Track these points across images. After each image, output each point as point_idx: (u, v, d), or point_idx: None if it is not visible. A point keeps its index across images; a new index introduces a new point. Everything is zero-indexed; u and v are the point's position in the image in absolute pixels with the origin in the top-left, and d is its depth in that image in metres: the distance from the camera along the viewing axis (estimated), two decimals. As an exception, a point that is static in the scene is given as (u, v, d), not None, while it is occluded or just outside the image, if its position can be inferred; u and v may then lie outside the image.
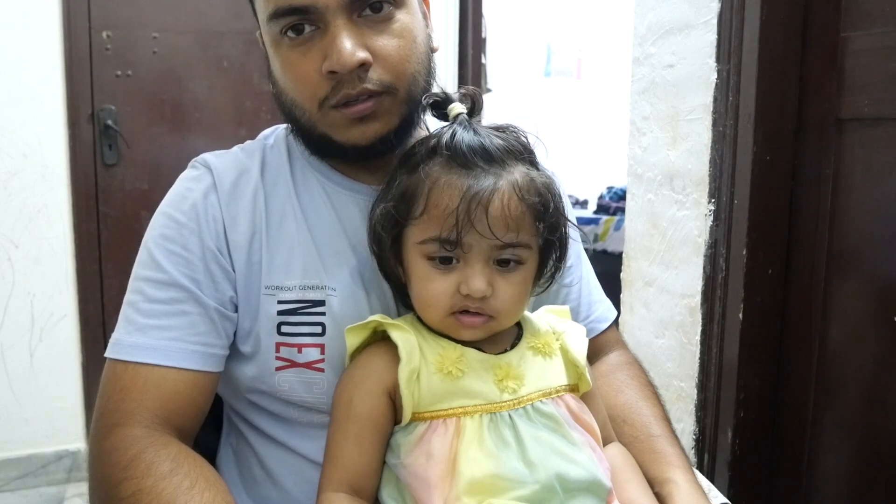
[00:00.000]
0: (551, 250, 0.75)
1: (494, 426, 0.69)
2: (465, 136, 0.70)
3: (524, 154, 0.73)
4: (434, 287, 0.70)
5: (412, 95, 0.78)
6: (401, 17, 0.76)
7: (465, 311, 0.70)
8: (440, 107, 0.76)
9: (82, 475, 2.27)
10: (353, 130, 0.77)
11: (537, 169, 0.74)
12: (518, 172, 0.70)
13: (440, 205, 0.68)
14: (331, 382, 0.80)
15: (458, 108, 0.74)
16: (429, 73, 0.81)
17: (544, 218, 0.71)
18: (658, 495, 0.79)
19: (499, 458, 0.67)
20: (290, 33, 0.75)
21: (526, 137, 0.75)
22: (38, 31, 2.15)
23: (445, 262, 0.69)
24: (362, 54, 0.73)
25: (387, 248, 0.73)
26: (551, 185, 0.74)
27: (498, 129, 0.74)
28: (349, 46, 0.72)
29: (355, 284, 0.81)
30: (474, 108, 0.76)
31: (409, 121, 0.79)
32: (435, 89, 0.80)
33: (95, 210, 2.31)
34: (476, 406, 0.69)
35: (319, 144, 0.81)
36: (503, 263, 0.70)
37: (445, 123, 0.75)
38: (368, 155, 0.78)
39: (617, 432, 0.86)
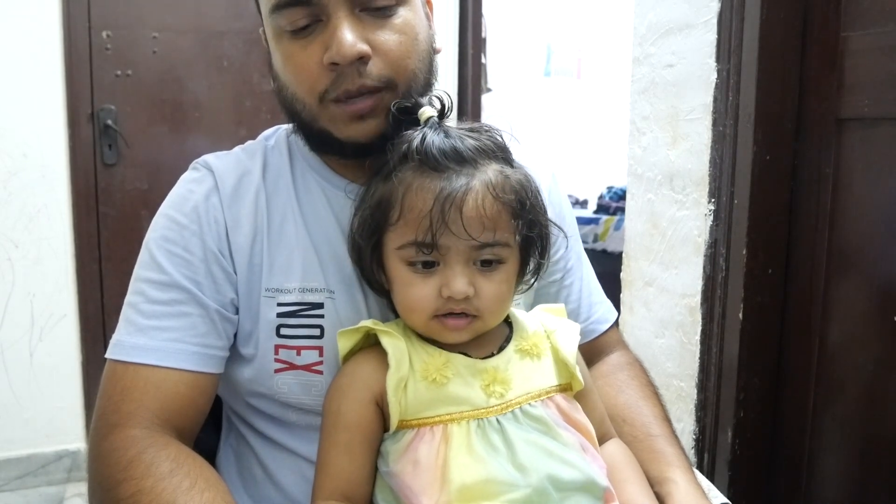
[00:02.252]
0: (532, 247, 0.75)
1: (482, 432, 0.68)
2: (434, 139, 0.70)
3: (497, 153, 0.73)
4: (416, 291, 0.70)
5: (412, 92, 0.77)
6: (403, 13, 0.76)
7: (449, 314, 0.70)
8: (410, 112, 0.75)
9: (82, 475, 2.27)
10: (352, 127, 0.76)
11: (512, 167, 0.74)
12: (491, 171, 0.70)
13: (414, 209, 0.68)
14: (329, 385, 0.80)
15: (427, 111, 0.74)
16: (430, 73, 0.80)
17: (521, 215, 0.71)
18: (657, 494, 0.79)
19: (489, 464, 0.66)
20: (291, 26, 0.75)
21: (500, 136, 0.75)
22: (38, 31, 2.15)
23: (427, 266, 0.69)
24: (362, 46, 0.73)
25: (367, 256, 0.73)
26: (526, 181, 0.73)
27: (470, 129, 0.73)
28: (349, 38, 0.72)
29: (353, 287, 0.81)
30: (444, 111, 0.75)
31: (399, 127, 0.78)
32: (435, 91, 0.80)
33: (95, 210, 2.31)
34: (462, 413, 0.69)
35: (319, 139, 0.81)
36: (484, 264, 0.70)
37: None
38: (368, 151, 0.78)
39: (617, 432, 0.86)
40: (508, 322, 0.78)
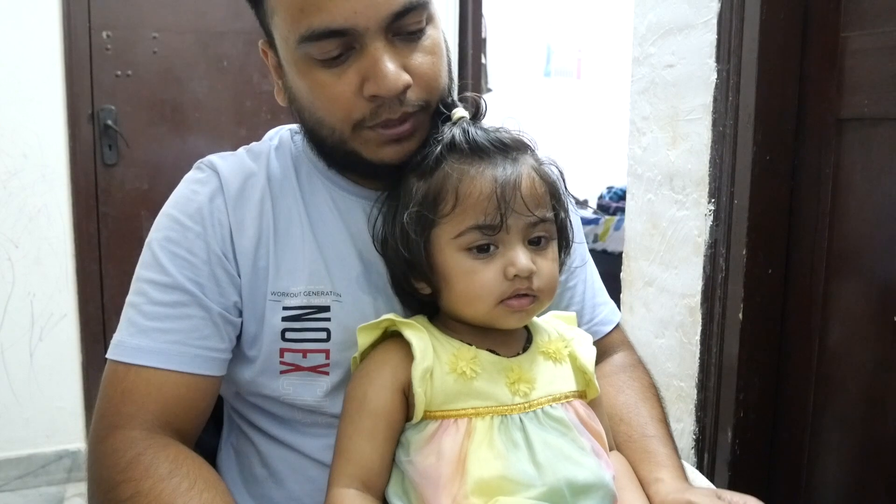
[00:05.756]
0: (562, 233, 0.77)
1: (505, 428, 0.69)
2: (478, 132, 0.73)
3: (525, 146, 0.76)
4: (480, 278, 0.70)
5: (439, 107, 0.78)
6: (431, 32, 0.76)
7: (514, 296, 0.71)
8: (444, 111, 0.77)
9: (82, 475, 2.26)
10: (386, 150, 0.76)
11: (539, 158, 0.77)
12: (529, 158, 0.74)
13: (473, 194, 0.70)
14: (335, 385, 0.80)
15: (460, 112, 0.76)
16: (452, 81, 0.81)
17: (558, 198, 0.75)
18: (647, 496, 0.79)
19: (508, 460, 0.67)
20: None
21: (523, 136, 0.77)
22: (38, 31, 2.15)
23: (484, 250, 0.70)
24: (406, 77, 0.72)
25: (422, 252, 0.72)
26: (557, 170, 0.77)
27: (495, 129, 0.76)
28: (393, 70, 0.71)
29: (361, 290, 0.81)
30: (478, 114, 0.78)
31: (432, 131, 0.78)
32: (470, 93, 0.81)
33: (95, 210, 2.31)
34: (488, 407, 0.70)
35: (346, 161, 0.80)
36: (535, 242, 0.72)
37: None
38: (399, 170, 0.77)
39: (614, 431, 0.86)
40: (526, 325, 0.79)
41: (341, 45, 0.72)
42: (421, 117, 0.76)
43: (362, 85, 0.72)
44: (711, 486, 0.91)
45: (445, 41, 0.80)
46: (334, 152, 0.79)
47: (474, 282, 0.71)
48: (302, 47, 0.72)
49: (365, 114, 0.74)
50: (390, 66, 0.71)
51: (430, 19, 0.75)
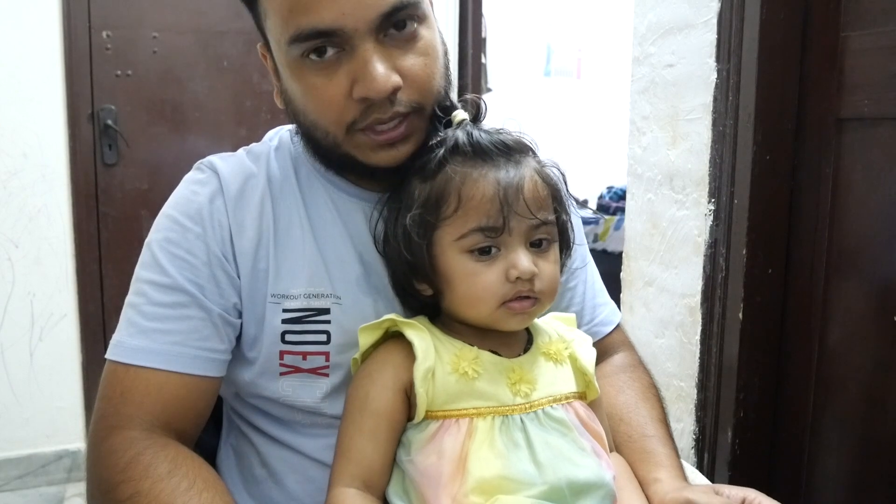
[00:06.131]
0: (563, 235, 0.78)
1: (506, 428, 0.70)
2: (481, 135, 0.73)
3: (527, 148, 0.76)
4: (482, 280, 0.71)
5: (436, 110, 0.77)
6: (424, 33, 0.75)
7: (516, 298, 0.71)
8: (445, 114, 0.77)
9: (82, 475, 2.26)
10: (380, 154, 0.76)
11: (541, 160, 0.77)
12: (532, 161, 0.75)
13: (475, 196, 0.70)
14: (334, 387, 0.80)
15: (461, 114, 0.76)
16: (448, 83, 0.80)
17: (560, 200, 0.76)
18: (646, 496, 0.79)
19: (508, 460, 0.68)
20: (312, 56, 0.72)
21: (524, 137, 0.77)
22: (38, 31, 2.15)
23: (485, 252, 0.71)
24: (396, 79, 0.72)
25: (424, 254, 0.73)
26: (559, 172, 0.77)
27: (497, 131, 0.75)
28: (382, 71, 0.70)
29: (361, 292, 0.81)
30: (478, 115, 0.78)
31: (432, 134, 0.78)
32: (470, 95, 0.81)
33: (95, 210, 2.31)
34: (489, 408, 0.70)
35: (341, 163, 0.80)
36: (537, 244, 0.72)
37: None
38: (395, 174, 0.77)
39: (614, 431, 0.86)
40: (526, 326, 0.79)
41: (330, 46, 0.71)
42: (415, 120, 0.75)
43: (352, 87, 0.72)
44: (710, 484, 0.91)
45: (443, 42, 0.80)
46: (330, 155, 0.79)
47: (476, 284, 0.71)
48: (292, 49, 0.72)
49: (356, 115, 0.73)
50: (379, 67, 0.70)
51: (422, 19, 0.75)
